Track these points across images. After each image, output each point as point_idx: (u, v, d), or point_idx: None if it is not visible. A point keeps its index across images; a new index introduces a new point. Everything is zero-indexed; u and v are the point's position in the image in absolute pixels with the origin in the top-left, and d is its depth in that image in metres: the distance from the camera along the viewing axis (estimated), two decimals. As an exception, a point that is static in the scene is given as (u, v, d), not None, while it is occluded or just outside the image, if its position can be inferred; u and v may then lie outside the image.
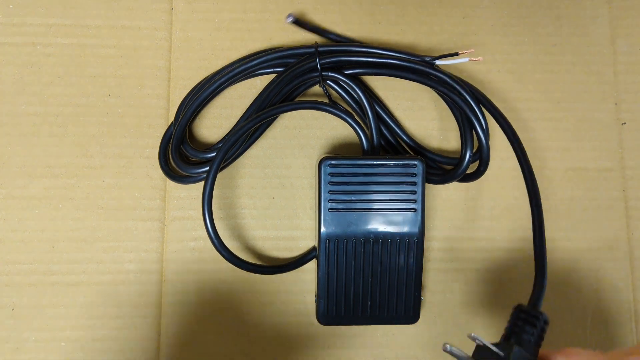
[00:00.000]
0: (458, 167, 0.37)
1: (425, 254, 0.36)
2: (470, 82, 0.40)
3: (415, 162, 0.35)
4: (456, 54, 0.37)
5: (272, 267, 0.38)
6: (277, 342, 0.38)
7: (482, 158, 0.37)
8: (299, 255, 0.39)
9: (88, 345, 0.37)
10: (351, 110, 0.38)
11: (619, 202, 0.40)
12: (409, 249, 0.35)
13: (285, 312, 0.38)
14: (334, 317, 0.36)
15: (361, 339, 0.38)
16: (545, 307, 0.39)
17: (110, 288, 0.38)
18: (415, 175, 0.35)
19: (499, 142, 0.40)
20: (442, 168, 0.39)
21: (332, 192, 0.35)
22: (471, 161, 0.37)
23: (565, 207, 0.39)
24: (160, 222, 0.38)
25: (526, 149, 0.40)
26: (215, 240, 0.36)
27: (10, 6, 0.39)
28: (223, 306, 0.38)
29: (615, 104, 0.40)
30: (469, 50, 0.36)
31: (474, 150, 0.37)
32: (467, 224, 0.39)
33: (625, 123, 0.40)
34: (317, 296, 0.36)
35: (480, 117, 0.36)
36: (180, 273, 0.38)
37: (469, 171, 0.37)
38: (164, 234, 0.38)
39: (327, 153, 0.39)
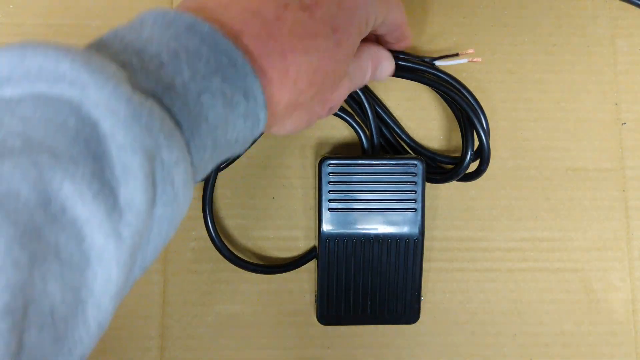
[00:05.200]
0: (459, 166, 0.37)
1: (425, 254, 0.36)
2: (470, 82, 0.39)
3: (415, 162, 0.35)
4: (456, 55, 0.37)
5: (272, 267, 0.38)
6: (277, 342, 0.38)
7: (483, 157, 0.36)
8: (299, 255, 0.39)
9: (88, 345, 0.37)
10: (351, 110, 0.38)
11: (619, 202, 0.40)
12: (409, 249, 0.35)
13: (285, 312, 0.38)
14: (333, 317, 0.36)
15: (361, 339, 0.38)
16: (543, 307, 0.39)
17: (110, 288, 0.38)
18: (415, 175, 0.35)
19: (499, 142, 0.40)
20: (442, 167, 0.39)
21: (332, 191, 0.35)
22: (472, 160, 0.37)
23: (565, 207, 0.39)
24: (160, 222, 0.38)
25: (526, 149, 0.40)
26: (216, 240, 0.36)
27: (11, 6, 0.39)
28: (223, 306, 0.38)
29: (615, 104, 0.40)
30: (469, 51, 0.36)
31: (475, 149, 0.37)
32: (467, 224, 0.39)
33: (625, 123, 0.40)
34: (317, 296, 0.36)
35: (481, 116, 0.36)
36: (180, 273, 0.38)
37: (469, 170, 0.37)
38: (164, 234, 0.38)
39: (327, 153, 0.39)
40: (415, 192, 0.35)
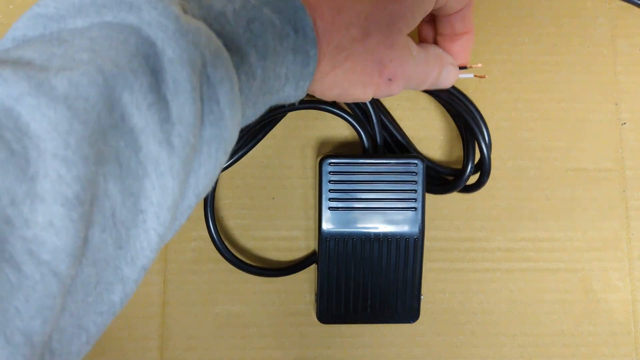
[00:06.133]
0: (458, 178, 0.37)
1: (425, 254, 0.36)
2: (470, 82, 0.40)
3: (416, 162, 0.35)
4: (464, 68, 0.36)
5: (273, 270, 0.38)
6: (277, 342, 0.38)
7: (484, 170, 0.36)
8: (300, 258, 0.39)
9: (88, 345, 0.37)
10: (351, 110, 0.38)
11: (619, 202, 0.40)
12: (409, 248, 0.35)
13: (285, 312, 0.38)
14: (333, 316, 0.36)
15: (361, 339, 0.38)
16: (543, 307, 0.39)
17: (110, 288, 0.38)
18: (416, 174, 0.35)
19: (499, 142, 0.40)
20: (442, 178, 0.39)
21: (332, 190, 0.35)
22: (472, 173, 0.37)
23: (565, 207, 0.39)
24: (160, 222, 0.38)
25: (526, 149, 0.40)
26: (217, 242, 0.36)
27: (10, 6, 0.39)
28: (223, 306, 0.38)
29: (615, 104, 0.40)
30: (478, 65, 0.35)
31: (475, 162, 0.37)
32: (467, 224, 0.39)
33: (625, 123, 0.40)
34: (317, 295, 0.36)
35: (483, 128, 0.36)
36: (180, 273, 0.38)
37: (470, 182, 0.37)
38: (164, 233, 0.38)
39: (328, 152, 0.39)
40: (415, 191, 0.35)
